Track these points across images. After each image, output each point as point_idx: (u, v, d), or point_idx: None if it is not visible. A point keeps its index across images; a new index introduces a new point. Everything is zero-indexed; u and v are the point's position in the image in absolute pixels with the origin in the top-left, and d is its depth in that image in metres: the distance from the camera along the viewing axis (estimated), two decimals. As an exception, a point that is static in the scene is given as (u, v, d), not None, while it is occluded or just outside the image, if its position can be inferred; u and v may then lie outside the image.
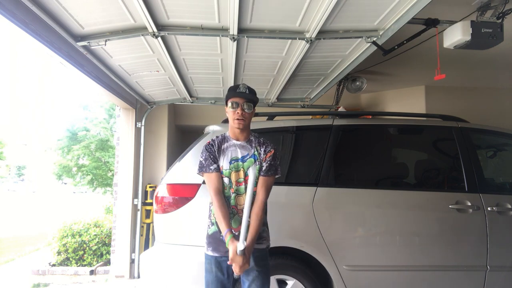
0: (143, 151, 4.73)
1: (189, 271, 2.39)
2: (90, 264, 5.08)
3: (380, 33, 2.57)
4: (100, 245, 5.22)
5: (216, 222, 1.82)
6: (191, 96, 4.34)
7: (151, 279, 2.47)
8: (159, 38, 2.53)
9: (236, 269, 1.68)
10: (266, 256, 1.90)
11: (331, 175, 2.57)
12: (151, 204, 4.65)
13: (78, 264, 5.08)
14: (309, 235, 2.42)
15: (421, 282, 2.52)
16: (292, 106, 4.66)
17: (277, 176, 1.90)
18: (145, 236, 4.71)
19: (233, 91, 1.86)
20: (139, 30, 2.47)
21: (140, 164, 4.71)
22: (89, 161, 10.89)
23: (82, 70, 3.06)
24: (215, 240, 1.85)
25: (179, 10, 2.25)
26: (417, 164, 3.00)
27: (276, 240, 2.08)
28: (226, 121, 2.37)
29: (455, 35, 2.66)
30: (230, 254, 1.67)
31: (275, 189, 1.93)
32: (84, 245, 5.13)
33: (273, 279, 2.26)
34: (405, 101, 5.40)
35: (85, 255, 5.10)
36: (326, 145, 2.62)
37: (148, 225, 4.70)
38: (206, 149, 1.88)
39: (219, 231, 1.80)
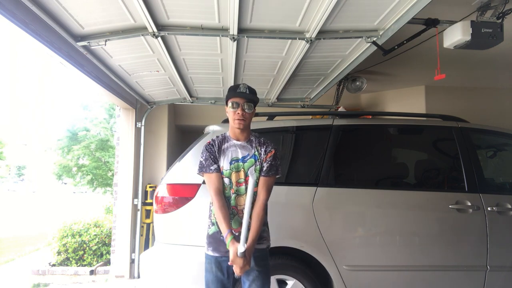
0: (143, 151, 4.73)
1: (189, 271, 2.39)
2: (90, 264, 5.08)
3: (380, 33, 2.57)
4: (100, 245, 5.22)
5: (216, 222, 1.82)
6: (191, 96, 4.34)
7: (151, 279, 2.47)
8: (159, 38, 2.53)
9: (237, 270, 1.68)
10: (267, 256, 1.90)
11: (331, 175, 2.57)
12: (151, 204, 4.65)
13: (78, 264, 5.08)
14: (309, 235, 2.42)
15: (421, 282, 2.52)
16: (292, 106, 4.65)
17: (277, 176, 1.90)
18: (145, 236, 4.71)
19: (234, 91, 1.85)
20: (139, 30, 2.47)
21: (140, 164, 4.71)
22: (89, 161, 10.89)
23: (82, 70, 3.06)
24: (215, 240, 1.85)
25: (179, 10, 2.25)
26: (417, 164, 3.00)
27: (276, 240, 2.08)
28: (226, 121, 2.37)
29: (455, 35, 2.66)
30: (231, 256, 1.67)
31: (275, 189, 1.93)
32: (84, 245, 5.13)
33: (273, 279, 2.26)
34: (405, 101, 5.40)
35: (85, 255, 5.10)
36: (326, 145, 2.62)
37: (148, 225, 4.71)
38: (206, 149, 1.88)
39: (220, 231, 1.80)
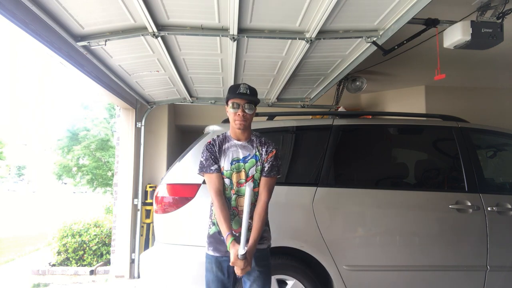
0: (143, 151, 4.73)
1: (189, 271, 2.39)
2: (90, 264, 5.08)
3: (380, 33, 2.57)
4: (100, 245, 5.22)
5: (216, 222, 1.82)
6: (191, 96, 4.34)
7: (151, 279, 2.47)
8: (159, 38, 2.53)
9: (238, 271, 1.68)
10: (267, 256, 1.90)
11: (331, 175, 2.57)
12: (151, 204, 4.65)
13: (78, 264, 5.08)
14: (309, 235, 2.42)
15: (421, 282, 2.52)
16: (292, 106, 4.66)
17: (278, 176, 1.90)
18: (145, 236, 4.71)
19: (234, 92, 1.83)
20: (139, 30, 2.47)
21: (140, 164, 4.71)
22: (89, 161, 10.89)
23: (82, 70, 3.06)
24: (215, 240, 1.85)
25: (179, 10, 2.25)
26: (417, 164, 3.00)
27: (276, 240, 2.08)
28: (226, 121, 2.37)
29: (455, 35, 2.66)
30: (232, 258, 1.67)
31: (275, 189, 1.93)
32: (84, 245, 5.13)
33: (273, 279, 2.26)
34: (405, 101, 5.40)
35: (85, 255, 5.10)
36: (326, 145, 2.62)
37: (148, 225, 4.71)
38: (206, 149, 1.87)
39: (220, 231, 1.80)
